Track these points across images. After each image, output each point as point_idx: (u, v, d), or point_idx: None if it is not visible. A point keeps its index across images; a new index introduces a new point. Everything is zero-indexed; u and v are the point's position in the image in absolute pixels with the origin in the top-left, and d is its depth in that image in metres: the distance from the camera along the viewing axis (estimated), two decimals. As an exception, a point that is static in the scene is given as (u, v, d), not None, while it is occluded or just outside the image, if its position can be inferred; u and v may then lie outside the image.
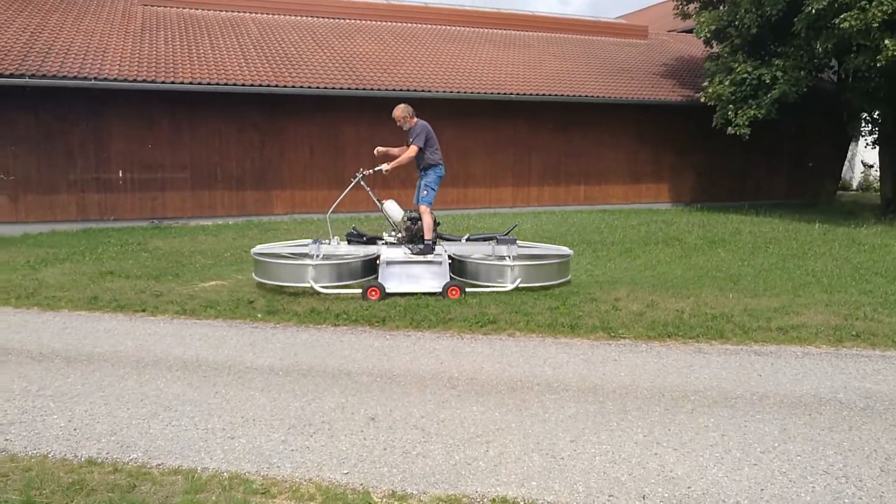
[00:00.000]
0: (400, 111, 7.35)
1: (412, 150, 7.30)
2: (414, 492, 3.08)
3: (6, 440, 3.54)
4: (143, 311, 6.35)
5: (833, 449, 3.52)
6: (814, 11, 11.88)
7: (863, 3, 11.36)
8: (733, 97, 14.04)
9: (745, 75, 13.76)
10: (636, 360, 4.99)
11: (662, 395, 4.27)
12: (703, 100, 14.69)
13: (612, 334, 5.62)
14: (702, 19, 15.09)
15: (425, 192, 7.37)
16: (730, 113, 14.17)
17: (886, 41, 11.37)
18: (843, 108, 15.06)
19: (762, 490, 3.10)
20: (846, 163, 20.12)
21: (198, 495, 2.98)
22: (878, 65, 11.67)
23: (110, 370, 4.68)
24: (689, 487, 3.12)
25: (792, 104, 13.80)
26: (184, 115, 12.84)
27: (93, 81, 11.42)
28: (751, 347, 5.30)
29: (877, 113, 15.47)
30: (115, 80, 11.62)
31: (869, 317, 6.10)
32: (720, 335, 5.56)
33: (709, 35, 15.20)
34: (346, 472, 3.26)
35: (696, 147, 16.80)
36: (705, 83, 14.99)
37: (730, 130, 14.27)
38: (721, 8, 15.96)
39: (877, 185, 19.38)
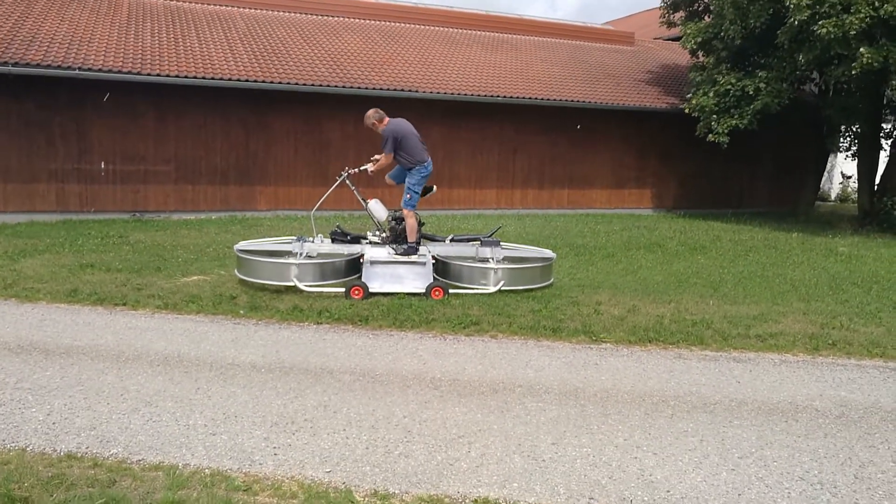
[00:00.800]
0: (367, 118, 7.40)
1: (383, 159, 7.35)
2: (396, 491, 3.09)
3: (-17, 433, 3.50)
4: (124, 304, 6.29)
5: (809, 455, 3.59)
6: (796, 23, 12.06)
7: (842, 15, 11.57)
8: (717, 108, 14.22)
9: (729, 87, 13.94)
10: (617, 365, 5.04)
11: (643, 400, 4.32)
12: (687, 110, 14.86)
13: (594, 338, 5.66)
14: (688, 31, 15.26)
15: (408, 195, 7.32)
16: (712, 123, 14.34)
17: (862, 49, 11.57)
18: (824, 122, 15.32)
19: (739, 495, 3.15)
20: (825, 173, 20.44)
21: (179, 492, 2.97)
22: (854, 73, 11.88)
23: (90, 364, 4.64)
24: (669, 491, 3.16)
25: (773, 115, 14.00)
26: (169, 108, 12.72)
27: (77, 71, 11.28)
28: (730, 354, 5.37)
29: (856, 127, 15.74)
30: (100, 70, 11.48)
31: (845, 326, 6.21)
32: (700, 341, 5.63)
33: (695, 46, 15.37)
34: (328, 470, 3.26)
35: (680, 154, 16.98)
36: (689, 94, 15.16)
37: (710, 138, 14.45)
38: (706, 18, 16.15)
39: (854, 196, 19.72)
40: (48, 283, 6.92)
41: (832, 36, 11.59)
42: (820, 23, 11.67)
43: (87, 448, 3.37)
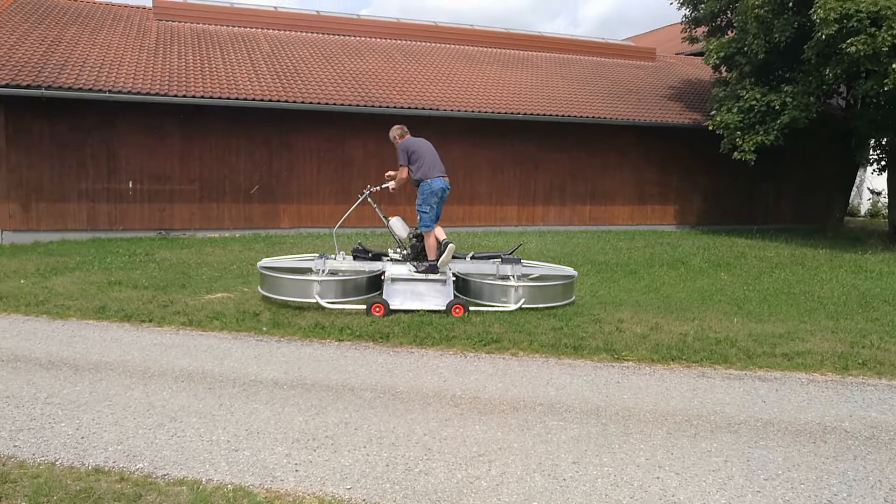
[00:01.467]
0: (391, 133, 7.67)
1: (401, 172, 7.46)
2: (416, 509, 3.09)
3: (15, 447, 3.58)
4: (150, 321, 6.39)
5: (837, 478, 3.52)
6: (823, 37, 11.95)
7: (871, 29, 11.44)
8: (741, 124, 14.08)
9: (754, 102, 13.81)
10: (639, 383, 5.00)
11: (665, 419, 4.28)
12: (710, 127, 14.75)
13: (616, 356, 5.62)
14: (710, 47, 15.18)
15: (419, 216, 7.40)
16: (737, 139, 14.21)
17: (895, 65, 11.42)
18: (851, 135, 15.11)
19: (764, 516, 3.11)
20: (854, 188, 20.13)
21: (202, 507, 3.00)
22: (886, 89, 11.71)
23: (117, 379, 4.72)
24: (691, 512, 3.13)
25: (800, 129, 13.84)
26: (195, 128, 12.98)
27: (107, 94, 11.58)
28: (755, 373, 5.30)
29: (885, 140, 15.50)
30: (129, 92, 11.77)
31: (875, 345, 6.09)
32: (724, 360, 5.56)
33: (717, 61, 15.29)
34: (349, 487, 3.27)
35: (703, 169, 16.86)
36: (713, 111, 15.05)
37: (735, 156, 14.29)
38: (729, 33, 16.08)
39: (885, 211, 19.38)
40: (78, 300, 7.07)
41: (862, 54, 11.46)
42: (849, 41, 11.54)
43: (114, 462, 3.43)
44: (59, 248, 11.00)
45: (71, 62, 12.35)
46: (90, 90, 11.50)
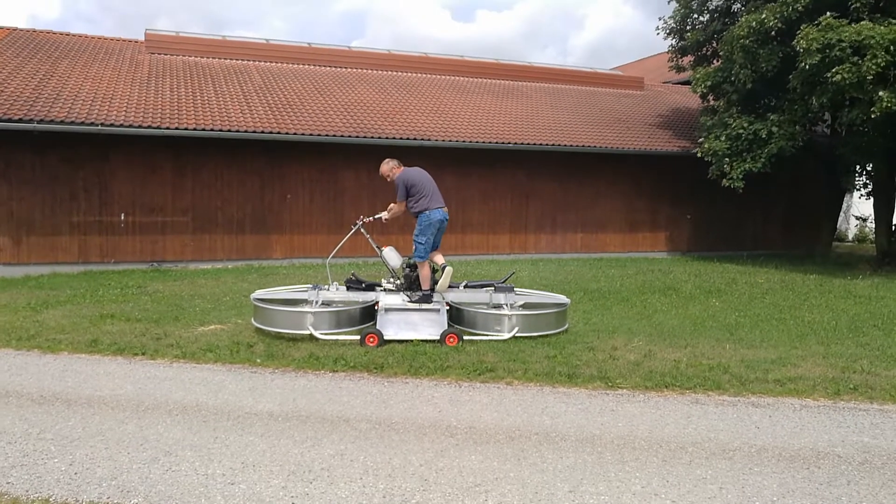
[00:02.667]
0: (382, 169, 7.67)
1: (396, 207, 7.55)
2: (414, 542, 3.08)
3: (8, 483, 3.55)
4: (143, 354, 6.37)
5: (832, 503, 3.54)
6: (807, 67, 12.20)
7: (854, 58, 11.69)
8: (729, 151, 14.30)
9: (741, 131, 14.04)
10: (634, 411, 5.01)
11: (660, 446, 4.29)
12: (699, 154, 14.96)
13: (610, 384, 5.64)
14: (697, 76, 15.47)
15: (415, 246, 7.38)
16: (725, 166, 14.41)
17: (881, 93, 11.63)
18: (837, 161, 15.36)
19: (761, 544, 3.11)
20: (841, 214, 20.38)
21: (198, 543, 2.98)
22: (873, 116, 11.92)
23: (110, 414, 4.69)
24: (689, 540, 3.13)
25: (787, 157, 14.05)
26: (187, 160, 13.05)
27: (99, 127, 11.64)
28: (748, 399, 5.33)
29: (870, 166, 15.75)
30: (122, 125, 11.84)
31: (866, 370, 6.14)
32: (717, 386, 5.59)
33: (705, 90, 15.56)
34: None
35: (692, 197, 17.04)
36: (701, 139, 15.28)
37: (724, 183, 14.47)
38: (715, 62, 16.40)
39: (872, 236, 19.61)
40: (69, 334, 7.03)
41: (847, 82, 11.69)
42: (834, 70, 11.77)
43: (108, 498, 3.41)
44: (50, 281, 10.95)
45: (63, 96, 12.44)
46: (82, 123, 11.56)
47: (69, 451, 4.01)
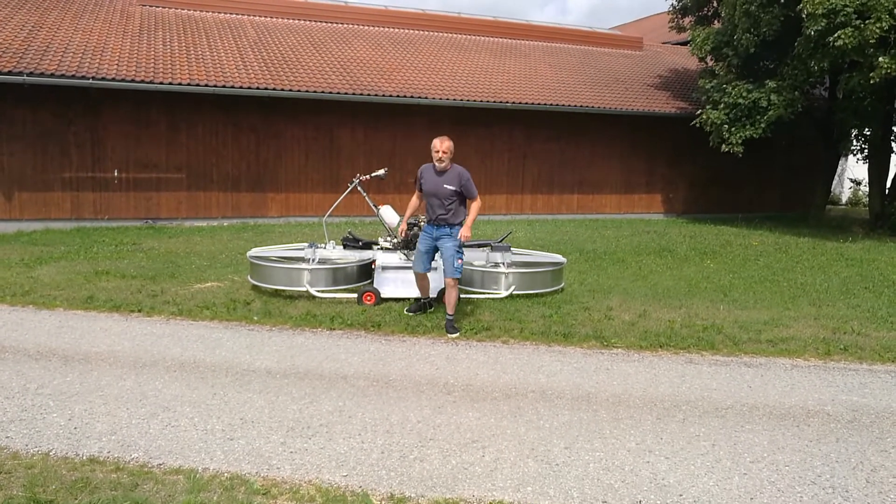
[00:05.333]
0: (446, 145, 5.98)
1: (478, 204, 6.18)
2: (412, 495, 3.13)
3: (7, 438, 3.57)
4: (140, 311, 6.37)
5: (821, 460, 3.61)
6: (812, 33, 12.02)
7: (857, 21, 11.52)
8: (728, 119, 14.21)
9: (741, 99, 13.93)
10: (628, 370, 5.07)
11: (654, 405, 4.35)
12: (698, 125, 14.86)
13: (605, 343, 5.69)
14: (697, 38, 15.26)
15: (456, 260, 5.99)
16: (724, 133, 14.33)
17: (881, 59, 11.52)
18: (834, 125, 15.28)
19: (752, 499, 3.18)
20: (836, 177, 20.36)
21: (200, 495, 3.03)
22: (872, 82, 11.82)
23: (108, 370, 4.71)
24: (681, 495, 3.19)
25: (785, 122, 13.98)
26: (181, 116, 12.86)
27: (90, 81, 11.43)
28: (741, 359, 5.39)
29: (868, 130, 15.68)
30: (113, 79, 11.63)
31: (857, 331, 6.21)
32: (711, 346, 5.65)
33: (704, 53, 15.37)
34: (344, 474, 3.31)
35: (689, 158, 16.98)
36: (699, 109, 15.16)
37: (724, 149, 14.43)
38: (716, 22, 16.14)
39: (865, 199, 19.63)
40: (65, 290, 7.02)
41: (849, 46, 11.54)
42: (837, 34, 11.61)
43: (108, 452, 3.44)
44: (43, 237, 10.89)
45: (53, 48, 12.18)
46: (73, 77, 11.35)
47: (68, 406, 4.04)
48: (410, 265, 7.25)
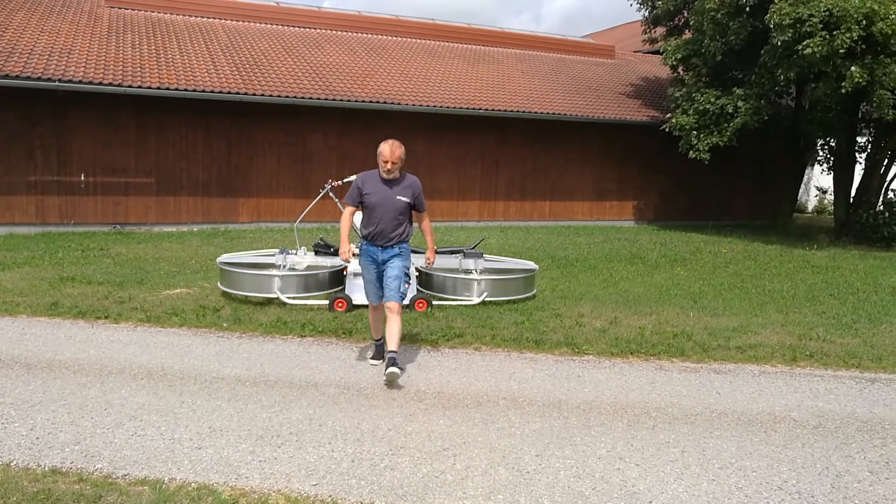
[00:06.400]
0: (396, 153, 4.90)
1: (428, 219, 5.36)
2: (382, 504, 3.11)
3: (-34, 449, 3.47)
4: (106, 318, 6.24)
5: (787, 465, 3.67)
6: (779, 43, 12.27)
7: (823, 32, 11.77)
8: (696, 125, 14.44)
9: (708, 105, 14.17)
10: (599, 377, 5.10)
11: (625, 412, 4.38)
12: (667, 129, 15.07)
13: (577, 350, 5.73)
14: (668, 47, 15.50)
15: (402, 282, 5.02)
16: (693, 139, 14.56)
17: (853, 68, 11.76)
18: (800, 135, 15.63)
19: (719, 504, 3.22)
20: (802, 186, 20.81)
21: (165, 506, 2.97)
22: (843, 91, 12.05)
23: (73, 378, 4.60)
24: (651, 502, 3.22)
25: (752, 130, 14.25)
26: (150, 120, 12.67)
27: (57, 83, 11.21)
28: (710, 366, 5.46)
29: (833, 141, 16.06)
30: (80, 82, 11.42)
31: (822, 337, 6.33)
32: (681, 353, 5.71)
33: (675, 63, 15.62)
34: (314, 483, 3.27)
35: (660, 166, 17.20)
36: (669, 114, 15.39)
37: (691, 155, 14.66)
38: (687, 33, 16.42)
39: (831, 208, 20.09)
40: (28, 297, 6.85)
41: (818, 56, 11.77)
42: (805, 42, 11.84)
43: (71, 463, 3.36)
44: (6, 242, 10.62)
45: (18, 49, 11.92)
46: (38, 79, 11.12)
47: (30, 415, 3.93)
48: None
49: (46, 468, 3.29)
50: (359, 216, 7.55)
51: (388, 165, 4.89)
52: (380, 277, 5.07)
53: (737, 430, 4.14)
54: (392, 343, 4.86)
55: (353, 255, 5.30)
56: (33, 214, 11.96)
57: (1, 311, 6.35)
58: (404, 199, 5.01)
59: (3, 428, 3.74)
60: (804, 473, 3.58)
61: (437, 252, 7.78)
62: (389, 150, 4.89)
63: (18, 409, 4.01)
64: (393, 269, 4.99)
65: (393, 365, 4.70)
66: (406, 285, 5.10)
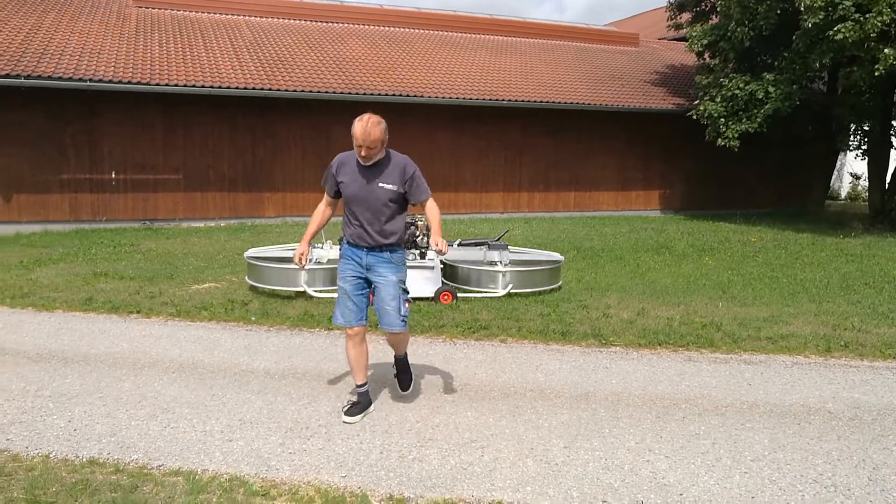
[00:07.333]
0: (373, 133, 3.73)
1: (435, 205, 4.05)
2: (411, 495, 3.13)
3: (7, 440, 3.56)
4: (138, 312, 6.36)
5: (822, 458, 3.60)
6: (810, 26, 12.00)
7: (856, 15, 11.49)
8: (725, 113, 14.18)
9: (737, 91, 13.90)
10: (627, 368, 5.06)
11: (653, 403, 4.35)
12: (694, 117, 14.84)
13: (604, 342, 5.69)
14: (694, 33, 15.24)
15: (402, 301, 3.97)
16: (721, 126, 14.31)
17: (886, 50, 11.47)
18: (833, 120, 15.27)
19: (753, 498, 3.18)
20: (834, 172, 20.38)
21: (199, 496, 3.02)
22: (877, 74, 11.77)
23: (107, 371, 4.70)
24: (682, 494, 3.19)
25: (783, 116, 13.96)
26: (177, 117, 12.84)
27: (88, 83, 11.41)
28: (740, 356, 5.38)
29: (867, 125, 15.68)
30: (110, 81, 11.60)
31: (857, 327, 6.20)
32: (710, 344, 5.64)
33: (701, 48, 15.35)
34: (343, 475, 3.30)
35: (686, 155, 16.97)
36: (696, 101, 15.14)
37: (719, 143, 14.41)
38: (713, 18, 16.13)
39: (865, 194, 19.64)
40: (63, 292, 7.01)
41: (849, 40, 11.51)
42: (837, 27, 11.58)
43: (108, 454, 3.43)
44: (41, 239, 10.87)
45: (50, 50, 12.15)
46: (70, 79, 11.33)
47: (67, 407, 4.03)
48: (408, 264, 7.20)
49: (84, 459, 3.37)
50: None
51: (363, 152, 3.77)
52: (361, 288, 3.97)
53: (769, 421, 4.08)
54: (404, 382, 4.33)
55: (307, 259, 4.12)
56: (67, 212, 12.21)
57: (38, 306, 6.50)
58: (389, 187, 3.85)
59: (42, 420, 3.84)
60: (840, 466, 3.51)
61: (462, 244, 7.83)
62: (362, 130, 3.70)
63: (56, 402, 4.11)
64: (387, 287, 3.91)
65: (403, 379, 4.26)
66: (406, 304, 3.98)
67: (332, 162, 4.05)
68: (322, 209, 4.15)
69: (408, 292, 4.04)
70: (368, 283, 4.02)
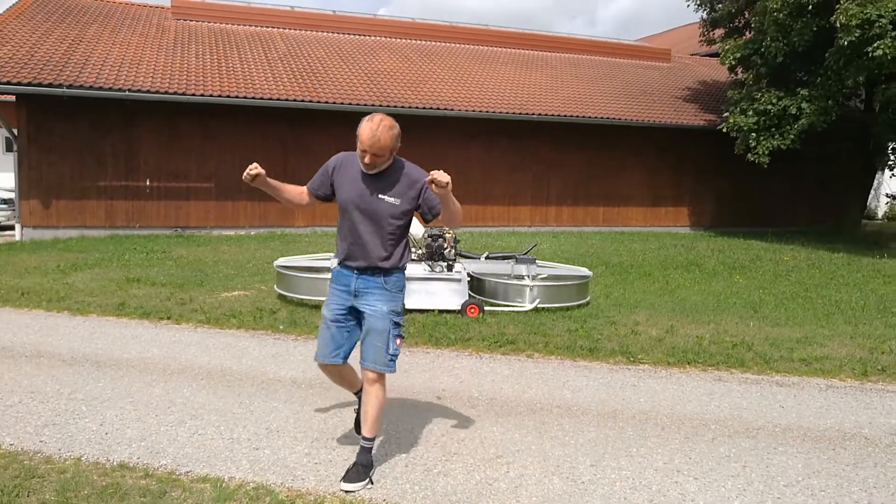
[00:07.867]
0: (384, 138, 3.21)
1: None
2: (436, 510, 3.11)
3: (41, 442, 3.64)
4: (169, 318, 6.46)
5: (858, 485, 3.51)
6: (846, 44, 11.83)
7: (894, 33, 11.30)
8: (756, 126, 14.01)
9: (770, 106, 13.73)
10: (655, 387, 4.99)
11: (682, 423, 4.28)
12: (724, 129, 14.68)
13: (632, 359, 5.62)
14: (726, 48, 15.11)
15: (392, 341, 3.32)
16: (751, 141, 14.13)
17: None
18: (870, 138, 14.97)
19: (784, 522, 3.10)
20: (871, 191, 19.95)
21: (226, 504, 3.05)
22: None
23: (138, 376, 4.78)
24: (710, 517, 3.13)
25: (817, 133, 13.74)
26: (211, 127, 13.09)
27: (127, 93, 11.70)
28: (772, 378, 5.28)
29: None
30: (148, 91, 11.88)
31: (895, 351, 6.04)
32: (740, 364, 5.54)
33: (734, 63, 15.21)
34: (368, 487, 3.30)
35: (717, 171, 16.77)
36: (726, 113, 14.98)
37: (749, 158, 14.23)
38: (747, 34, 15.98)
39: (902, 215, 19.20)
40: (98, 297, 7.15)
41: (889, 57, 11.34)
42: (876, 44, 11.42)
43: (138, 458, 3.48)
44: (78, 244, 11.12)
45: (91, 61, 12.49)
46: (110, 89, 11.63)
47: (99, 411, 4.10)
48: (434, 276, 7.22)
49: (115, 463, 3.42)
50: (413, 222, 7.63)
51: (367, 158, 3.18)
52: (344, 320, 3.36)
53: (803, 446, 3.98)
54: (368, 427, 3.33)
55: (254, 171, 3.48)
56: (103, 218, 12.49)
57: (73, 310, 6.65)
58: (392, 201, 3.25)
59: (75, 423, 3.91)
60: (876, 494, 3.41)
61: (489, 257, 7.82)
62: (370, 133, 3.13)
63: (89, 405, 4.19)
64: (374, 318, 3.27)
65: (363, 459, 3.29)
66: (398, 341, 3.34)
67: (331, 160, 3.50)
68: (300, 189, 3.62)
69: (400, 326, 3.36)
70: (356, 313, 3.36)
